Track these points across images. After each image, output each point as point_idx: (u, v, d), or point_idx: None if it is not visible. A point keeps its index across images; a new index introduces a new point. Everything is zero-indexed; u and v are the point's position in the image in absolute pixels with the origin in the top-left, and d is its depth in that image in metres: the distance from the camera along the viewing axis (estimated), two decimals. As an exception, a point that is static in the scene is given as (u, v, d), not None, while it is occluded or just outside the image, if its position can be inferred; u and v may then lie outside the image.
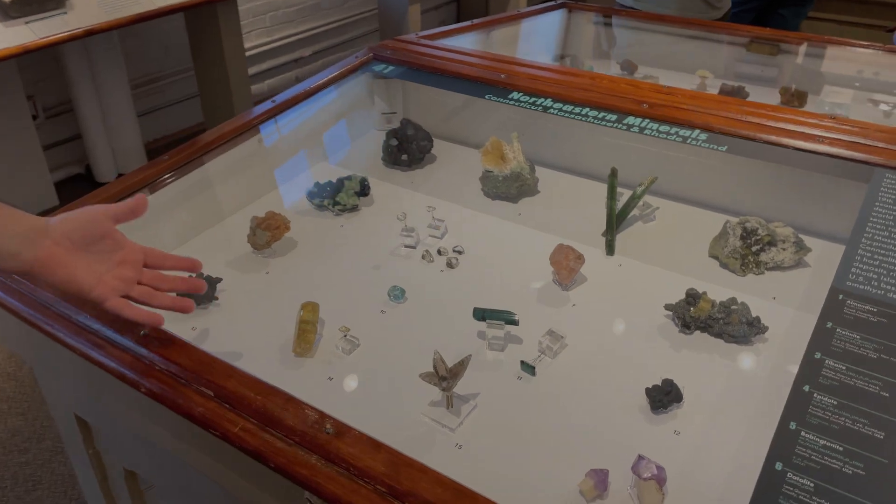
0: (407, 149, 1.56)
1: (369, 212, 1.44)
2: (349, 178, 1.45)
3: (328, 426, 0.77)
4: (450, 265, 1.26)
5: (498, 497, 0.74)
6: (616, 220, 1.33)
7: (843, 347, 0.83)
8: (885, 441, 0.72)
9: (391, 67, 1.64)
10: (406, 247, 1.32)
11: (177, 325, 1.06)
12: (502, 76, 1.52)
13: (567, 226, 1.36)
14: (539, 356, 1.05)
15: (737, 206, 1.36)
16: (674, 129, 1.31)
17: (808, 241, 1.23)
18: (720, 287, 1.18)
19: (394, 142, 1.56)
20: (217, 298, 1.18)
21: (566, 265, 1.17)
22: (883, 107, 1.55)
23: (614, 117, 1.36)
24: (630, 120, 1.35)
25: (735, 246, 1.22)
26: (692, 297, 1.09)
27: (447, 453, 0.91)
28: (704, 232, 1.31)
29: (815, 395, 0.78)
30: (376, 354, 1.08)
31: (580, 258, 1.18)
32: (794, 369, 0.99)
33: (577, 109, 1.40)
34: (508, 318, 1.06)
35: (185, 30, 3.27)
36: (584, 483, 0.85)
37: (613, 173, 1.38)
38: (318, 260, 1.30)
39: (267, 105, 1.51)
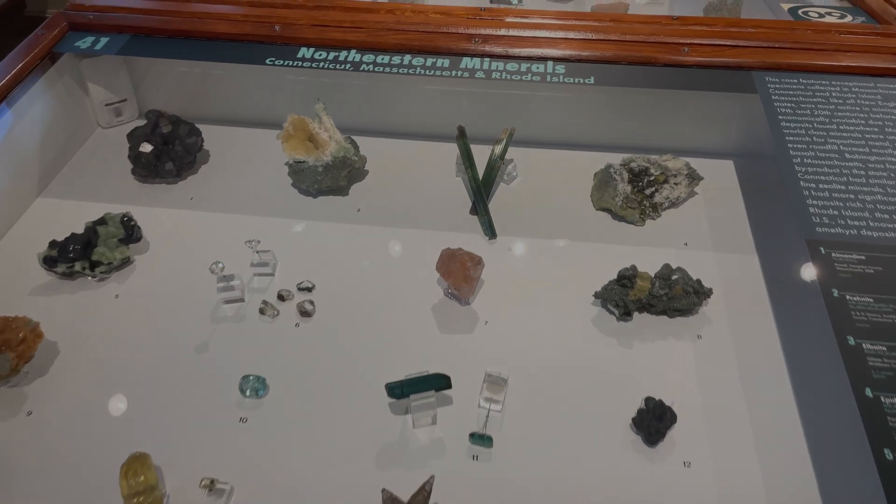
0: (169, 153, 1.10)
1: (148, 262, 0.99)
2: (101, 220, 0.98)
3: None
4: (304, 313, 0.91)
5: None
6: (483, 192, 1.07)
7: (866, 320, 0.70)
8: None
9: (103, 39, 1.13)
10: (228, 303, 0.93)
11: None
12: (276, 28, 1.11)
13: (423, 213, 1.06)
14: (486, 417, 0.79)
15: (607, 139, 1.18)
16: (524, 66, 1.05)
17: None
18: (626, 246, 1.00)
19: (146, 147, 1.09)
20: (-42, 499, 0.71)
21: (465, 275, 0.89)
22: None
23: (447, 62, 1.06)
24: (467, 63, 1.06)
25: (626, 192, 1.04)
26: (627, 279, 0.89)
27: None
28: (579, 179, 1.11)
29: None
30: (263, 497, 0.72)
31: (479, 263, 0.90)
32: (769, 328, 0.87)
33: (398, 59, 1.07)
34: (438, 385, 0.77)
35: None
36: None
37: (461, 133, 1.10)
38: (100, 365, 0.85)
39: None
